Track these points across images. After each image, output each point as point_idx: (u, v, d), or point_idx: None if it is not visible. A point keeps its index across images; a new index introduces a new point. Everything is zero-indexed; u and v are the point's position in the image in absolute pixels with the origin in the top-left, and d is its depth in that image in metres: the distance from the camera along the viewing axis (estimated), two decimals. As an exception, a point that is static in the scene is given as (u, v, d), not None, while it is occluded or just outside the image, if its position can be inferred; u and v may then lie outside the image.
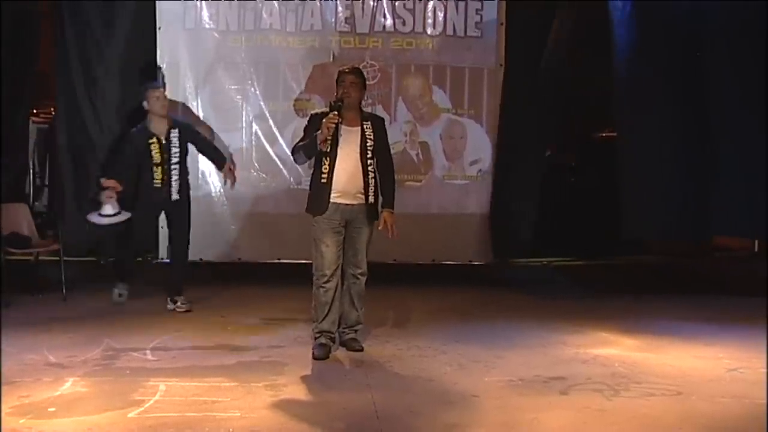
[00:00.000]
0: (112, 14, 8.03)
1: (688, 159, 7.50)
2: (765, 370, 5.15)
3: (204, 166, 8.16)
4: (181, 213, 6.80)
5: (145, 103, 6.66)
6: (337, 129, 5.32)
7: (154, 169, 6.58)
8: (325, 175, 5.37)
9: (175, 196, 6.68)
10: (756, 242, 10.16)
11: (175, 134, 6.69)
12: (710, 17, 7.41)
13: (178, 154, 6.68)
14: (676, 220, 7.56)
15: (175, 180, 6.66)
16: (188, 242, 6.88)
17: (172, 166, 6.64)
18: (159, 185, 6.61)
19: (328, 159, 5.37)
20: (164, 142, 6.63)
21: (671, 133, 7.53)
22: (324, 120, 5.25)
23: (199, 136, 7.02)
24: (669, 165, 7.54)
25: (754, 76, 7.16)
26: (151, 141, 6.59)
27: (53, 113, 8.18)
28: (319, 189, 5.40)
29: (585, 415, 4.32)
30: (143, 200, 6.70)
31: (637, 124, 7.59)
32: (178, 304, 6.79)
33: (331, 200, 5.37)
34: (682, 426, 4.21)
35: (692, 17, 7.49)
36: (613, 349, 5.73)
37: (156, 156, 6.58)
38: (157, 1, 8.04)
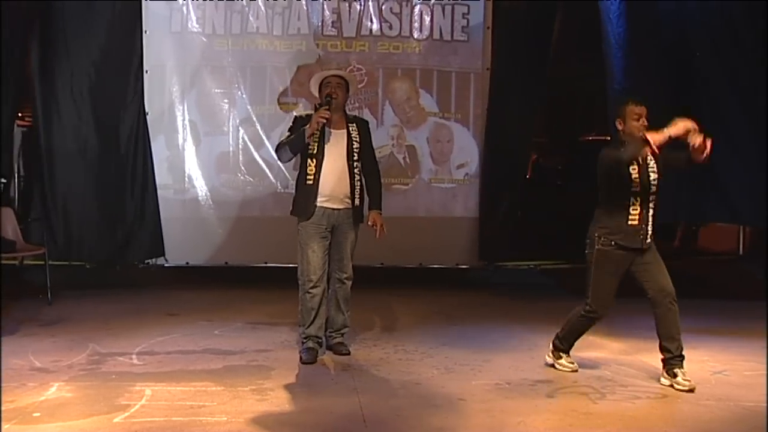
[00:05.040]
0: (97, 16, 7.98)
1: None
2: (752, 373, 5.19)
3: (190, 169, 8.15)
4: (652, 255, 5.10)
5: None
6: (323, 131, 5.33)
7: None
8: (311, 177, 5.37)
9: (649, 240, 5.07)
10: (741, 245, 10.23)
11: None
12: (699, 15, 7.47)
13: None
14: (671, 203, 7.61)
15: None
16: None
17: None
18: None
19: (314, 161, 5.37)
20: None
21: (665, 122, 7.57)
22: (315, 114, 5.26)
23: None
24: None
25: (744, 71, 7.24)
26: None
27: (33, 116, 8.06)
28: (305, 191, 5.39)
29: (571, 418, 4.33)
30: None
31: None
32: (678, 379, 4.95)
33: (318, 205, 5.37)
34: (668, 428, 4.23)
35: (682, 15, 7.53)
36: (599, 352, 5.75)
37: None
38: (143, 3, 8.00)
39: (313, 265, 5.38)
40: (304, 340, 5.46)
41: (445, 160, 8.47)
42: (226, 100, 8.23)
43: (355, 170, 5.45)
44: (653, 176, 5.01)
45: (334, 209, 5.41)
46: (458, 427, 4.22)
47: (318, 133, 5.30)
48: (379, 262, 8.00)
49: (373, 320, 6.63)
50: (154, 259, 8.21)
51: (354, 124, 5.54)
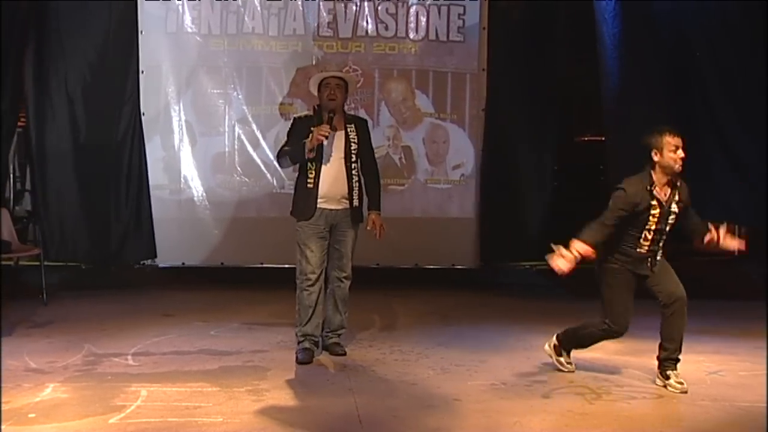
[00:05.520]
0: (92, 16, 7.96)
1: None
2: (747, 373, 5.21)
3: (186, 170, 8.14)
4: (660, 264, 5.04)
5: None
6: None
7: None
8: (311, 181, 5.38)
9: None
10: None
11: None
12: (695, 16, 7.47)
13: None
14: None
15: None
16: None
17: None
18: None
19: (314, 164, 5.37)
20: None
21: (661, 123, 7.55)
22: (314, 130, 5.26)
23: None
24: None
25: (741, 72, 7.25)
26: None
27: (27, 116, 8.04)
28: (306, 194, 5.40)
29: (567, 419, 4.34)
30: None
31: (626, 116, 7.60)
32: (671, 381, 4.95)
33: (317, 206, 5.37)
34: (663, 429, 4.24)
35: (678, 16, 7.54)
36: (595, 352, 5.73)
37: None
38: (138, 3, 7.99)
39: (312, 264, 5.39)
40: (301, 340, 5.46)
41: (440, 161, 8.47)
42: (222, 101, 8.22)
43: (353, 171, 5.46)
44: (672, 216, 4.91)
45: (332, 209, 5.41)
46: (454, 428, 4.22)
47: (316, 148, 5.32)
48: (375, 263, 8.00)
49: (370, 321, 6.64)
50: (149, 260, 8.20)
51: (353, 125, 5.54)
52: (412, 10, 8.34)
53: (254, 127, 8.21)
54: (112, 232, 8.05)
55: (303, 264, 5.42)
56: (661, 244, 4.96)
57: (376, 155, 5.90)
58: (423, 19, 8.34)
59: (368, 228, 5.54)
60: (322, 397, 4.69)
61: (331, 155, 5.39)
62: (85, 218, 8.01)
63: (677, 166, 4.83)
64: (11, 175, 8.52)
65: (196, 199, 8.16)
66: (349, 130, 5.49)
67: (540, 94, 8.48)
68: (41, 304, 7.00)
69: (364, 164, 5.56)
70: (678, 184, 4.92)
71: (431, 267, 8.51)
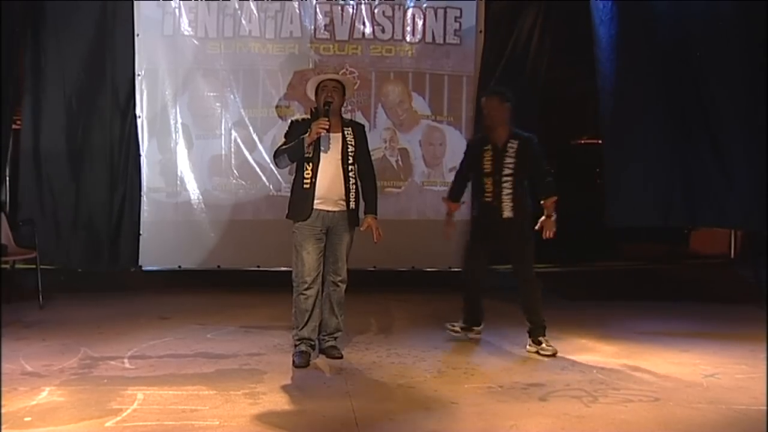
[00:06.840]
0: (89, 18, 7.96)
1: (673, 149, 7.54)
2: (744, 376, 5.22)
3: (183, 173, 8.13)
4: (516, 233, 5.90)
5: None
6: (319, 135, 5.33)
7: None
8: (307, 181, 5.38)
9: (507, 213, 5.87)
10: (732, 249, 10.25)
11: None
12: (692, 16, 7.49)
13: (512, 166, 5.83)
14: (662, 206, 7.60)
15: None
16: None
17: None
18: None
19: (310, 165, 5.38)
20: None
21: (656, 125, 7.56)
22: (314, 123, 5.28)
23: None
24: (654, 155, 7.56)
25: (737, 72, 7.27)
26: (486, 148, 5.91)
27: (23, 118, 8.02)
28: (302, 195, 5.40)
29: (564, 422, 4.34)
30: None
31: (622, 118, 7.61)
32: (543, 346, 5.79)
33: (313, 207, 5.37)
34: (660, 432, 4.24)
35: (675, 17, 7.55)
36: (592, 355, 5.76)
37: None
38: (135, 3, 7.98)
39: (308, 267, 5.38)
40: (297, 343, 5.45)
41: (437, 163, 8.48)
42: (218, 104, 8.22)
43: (350, 173, 5.46)
44: (509, 160, 5.80)
45: (328, 211, 5.41)
46: (451, 431, 4.22)
47: (313, 143, 5.33)
48: (371, 265, 8.00)
49: (366, 323, 6.64)
50: (137, 266, 8.16)
51: (349, 128, 5.55)
52: (409, 12, 8.34)
53: (251, 129, 8.21)
54: (107, 235, 8.03)
55: (299, 267, 5.41)
56: (507, 194, 5.81)
57: (373, 157, 5.91)
58: (420, 22, 8.35)
59: (362, 229, 5.55)
60: (319, 400, 4.69)
61: (327, 157, 5.40)
62: (80, 221, 7.99)
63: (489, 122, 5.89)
64: (7, 178, 8.50)
65: (192, 201, 8.15)
66: (346, 132, 5.50)
67: (535, 97, 8.48)
68: (37, 307, 6.99)
69: (361, 168, 5.56)
70: (514, 139, 5.85)
71: (428, 269, 8.51)
